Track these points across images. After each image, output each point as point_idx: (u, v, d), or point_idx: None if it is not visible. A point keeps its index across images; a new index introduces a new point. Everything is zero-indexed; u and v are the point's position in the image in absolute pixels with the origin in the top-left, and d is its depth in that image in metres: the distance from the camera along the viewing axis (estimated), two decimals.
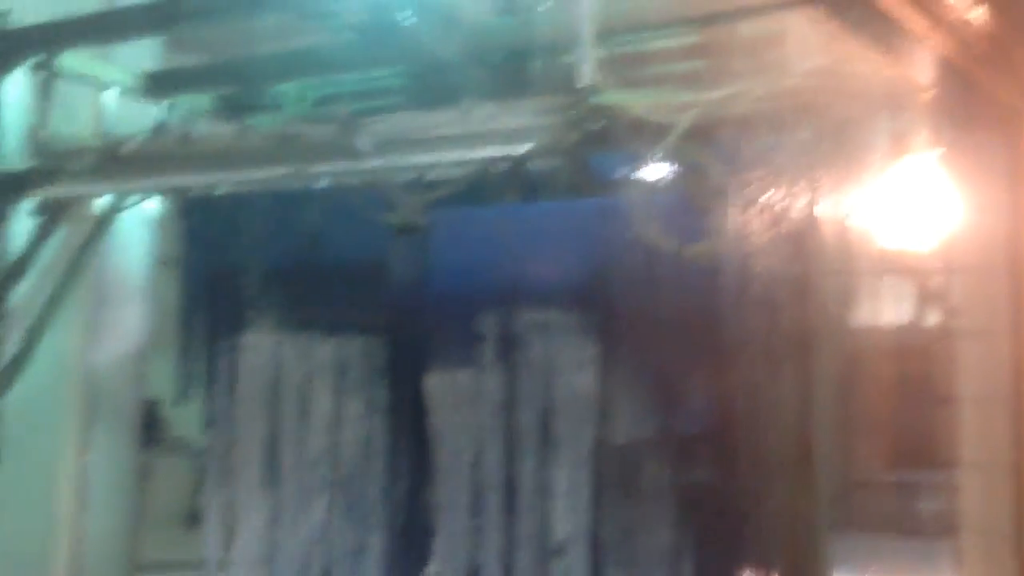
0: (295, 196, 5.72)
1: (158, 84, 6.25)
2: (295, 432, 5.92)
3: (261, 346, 5.99)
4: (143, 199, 5.79)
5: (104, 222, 6.41)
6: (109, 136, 6.33)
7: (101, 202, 6.38)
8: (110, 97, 6.57)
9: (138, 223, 6.88)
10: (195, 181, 5.03)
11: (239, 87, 6.36)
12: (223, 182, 4.93)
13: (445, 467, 5.62)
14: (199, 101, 6.61)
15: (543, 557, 5.44)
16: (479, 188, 5.31)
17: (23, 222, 6.02)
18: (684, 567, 5.23)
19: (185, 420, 8.12)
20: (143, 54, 6.66)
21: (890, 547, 5.00)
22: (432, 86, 5.56)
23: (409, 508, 5.89)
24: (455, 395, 5.59)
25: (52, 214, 5.74)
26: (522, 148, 4.26)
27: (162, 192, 5.60)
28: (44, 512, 6.66)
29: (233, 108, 6.62)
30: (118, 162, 5.17)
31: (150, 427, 7.65)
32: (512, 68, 5.23)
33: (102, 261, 6.69)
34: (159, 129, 6.20)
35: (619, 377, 5.31)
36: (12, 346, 6.10)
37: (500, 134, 4.37)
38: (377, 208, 5.57)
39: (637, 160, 4.42)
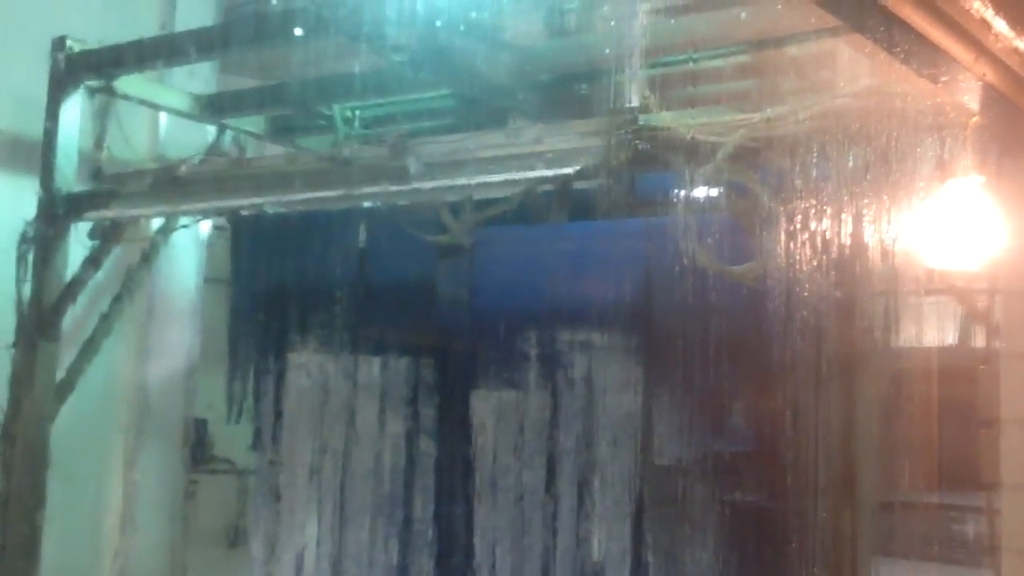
0: (343, 216, 5.80)
1: (211, 107, 6.37)
2: (341, 451, 5.97)
3: (308, 365, 6.05)
4: (197, 221, 5.89)
5: (156, 243, 6.53)
6: (164, 159, 6.47)
7: (153, 223, 6.51)
8: (164, 120, 6.72)
9: (188, 244, 7.01)
10: (248, 202, 5.11)
11: (290, 109, 6.47)
12: (276, 204, 5.00)
13: (489, 486, 5.64)
14: (251, 123, 6.74)
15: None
16: (525, 208, 5.39)
17: (78, 243, 6.13)
18: None
19: (230, 440, 8.24)
20: (198, 78, 6.81)
21: (932, 570, 4.97)
22: (481, 108, 5.64)
23: (454, 526, 5.92)
24: (500, 414, 5.62)
25: (107, 235, 5.85)
26: (570, 169, 4.31)
27: (216, 213, 5.69)
28: (92, 529, 6.76)
29: (284, 130, 6.75)
30: (174, 184, 5.26)
31: (196, 446, 7.75)
32: (560, 89, 5.30)
33: (153, 281, 6.81)
34: (212, 151, 6.32)
35: (663, 397, 5.32)
36: (65, 366, 6.20)
37: (548, 155, 4.42)
38: (424, 228, 5.66)
39: (684, 180, 4.46)
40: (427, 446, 5.90)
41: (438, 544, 5.96)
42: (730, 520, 5.19)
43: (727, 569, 5.20)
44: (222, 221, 6.77)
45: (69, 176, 5.92)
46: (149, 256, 6.49)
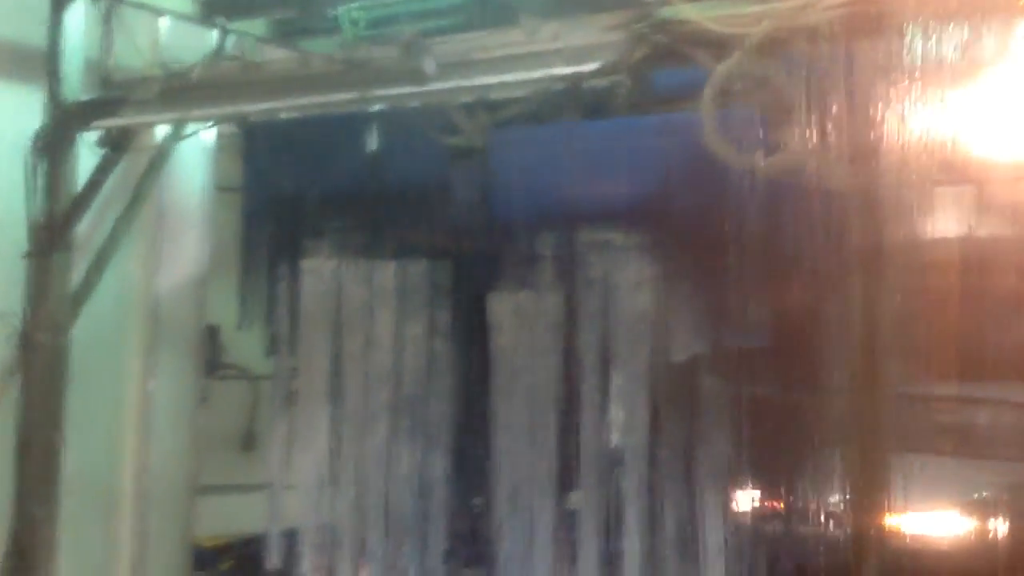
0: (354, 119, 5.74)
1: (213, 9, 6.24)
2: (357, 355, 5.99)
3: (323, 270, 6.04)
4: (207, 126, 5.83)
5: (165, 151, 6.46)
6: (168, 64, 6.36)
7: (161, 131, 6.43)
8: (166, 24, 6.59)
9: (197, 151, 6.94)
10: (260, 107, 5.05)
11: (293, 11, 6.35)
12: (288, 108, 4.95)
13: (506, 386, 5.68)
14: (254, 26, 6.61)
15: (602, 472, 5.51)
16: (540, 107, 5.34)
17: (87, 152, 6.07)
18: (742, 480, 5.30)
19: (240, 346, 8.27)
20: None
21: (952, 464, 5.02)
22: (490, 5, 5.54)
23: (471, 428, 5.97)
24: (516, 315, 5.64)
25: (117, 143, 5.79)
26: (590, 66, 4.26)
27: (228, 119, 5.63)
28: (110, 436, 6.81)
29: (288, 32, 6.62)
30: (183, 90, 5.20)
31: (209, 353, 7.78)
32: None
33: (162, 190, 6.76)
34: (218, 55, 6.21)
35: (679, 294, 5.33)
36: (78, 275, 6.18)
37: (567, 52, 4.36)
38: (437, 130, 5.61)
39: (705, 74, 4.41)
40: (443, 347, 5.94)
41: (457, 446, 6.03)
42: (746, 413, 5.24)
43: (742, 461, 5.27)
44: (230, 128, 6.71)
45: (76, 84, 5.85)
46: (157, 164, 6.42)
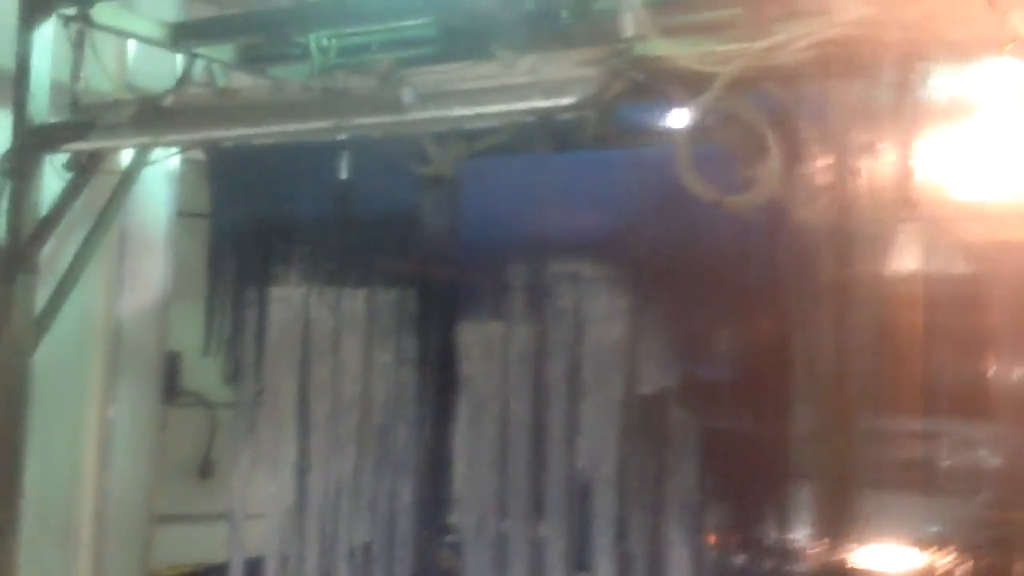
0: (323, 147, 5.76)
1: (182, 35, 6.25)
2: (324, 383, 5.98)
3: (290, 298, 6.03)
4: (177, 152, 5.82)
5: (130, 176, 6.44)
6: (135, 88, 6.36)
7: (127, 155, 6.41)
8: (133, 48, 6.60)
9: (159, 176, 6.93)
10: (234, 134, 5.06)
11: (263, 37, 6.37)
12: (262, 135, 4.95)
13: (473, 416, 5.69)
14: (222, 52, 6.62)
15: (569, 503, 5.54)
16: (511, 138, 5.39)
17: (52, 176, 6.04)
18: (710, 512, 5.34)
19: (197, 373, 8.22)
20: (166, 5, 6.68)
21: (920, 501, 5.08)
22: (461, 36, 5.59)
23: (437, 457, 5.98)
24: (484, 345, 5.66)
25: (84, 167, 5.76)
26: (567, 100, 4.31)
27: (200, 145, 5.63)
28: (69, 463, 6.75)
29: (256, 59, 6.64)
30: (155, 115, 5.19)
31: (169, 380, 7.73)
32: (544, 17, 5.26)
33: (125, 214, 6.74)
34: (185, 80, 6.22)
35: (649, 327, 5.38)
36: (42, 299, 6.13)
37: (544, 86, 4.41)
38: (407, 159, 5.64)
39: (676, 110, 4.48)
40: (411, 376, 5.94)
41: (421, 473, 6.02)
42: (714, 446, 5.29)
43: (710, 493, 5.32)
44: (195, 153, 6.71)
45: (43, 106, 5.82)
46: (123, 188, 6.39)
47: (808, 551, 5.20)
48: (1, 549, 5.79)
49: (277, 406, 6.07)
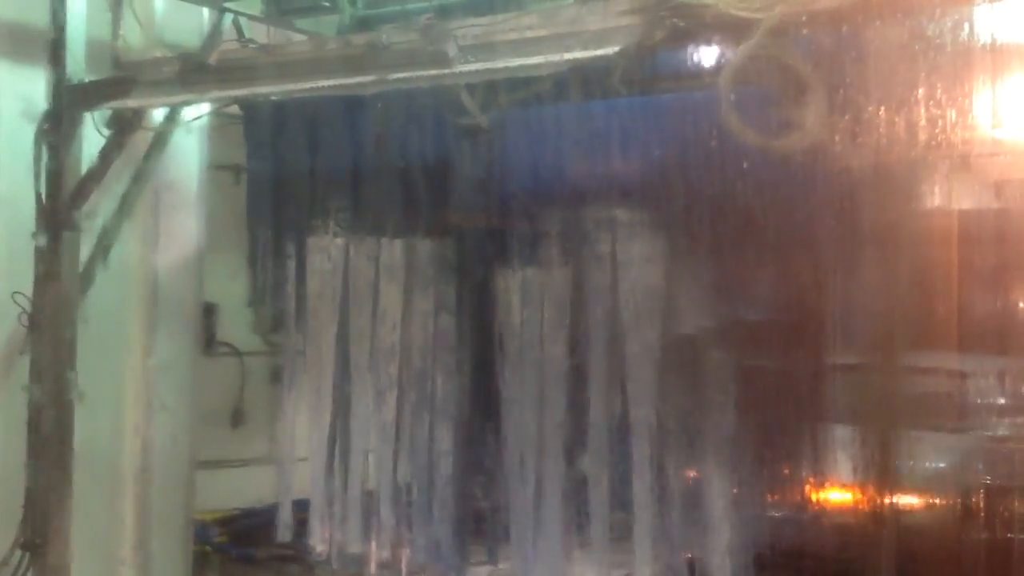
0: (359, 98, 5.80)
1: None
2: (365, 332, 6.08)
3: (329, 248, 6.12)
4: (213, 107, 5.88)
5: (165, 132, 6.51)
6: (166, 44, 6.40)
7: (160, 112, 6.47)
8: (162, 4, 6.63)
9: (192, 131, 6.98)
10: (278, 90, 5.12)
11: None
12: (308, 91, 5.01)
13: (513, 363, 5.80)
14: (250, 5, 6.64)
15: (609, 444, 5.65)
16: (547, 87, 5.44)
17: (91, 132, 6.11)
18: (747, 450, 5.45)
19: (230, 324, 8.35)
20: None
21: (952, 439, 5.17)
22: None
23: (479, 403, 6.10)
24: (523, 292, 5.76)
25: (124, 125, 5.82)
26: (610, 49, 4.36)
27: (243, 101, 5.68)
28: (114, 414, 6.87)
29: (285, 12, 6.65)
30: (198, 72, 5.25)
31: (206, 330, 7.85)
32: None
33: (161, 170, 6.81)
34: (214, 34, 6.24)
35: (686, 270, 5.47)
36: (84, 255, 6.23)
37: (586, 36, 4.45)
38: (443, 109, 5.70)
39: (718, 56, 4.54)
40: (450, 324, 6.04)
41: (463, 418, 6.15)
42: (752, 385, 5.40)
43: (747, 431, 5.43)
44: (228, 107, 6.75)
45: (81, 65, 5.87)
46: (160, 144, 6.46)
47: (842, 489, 5.35)
48: (56, 497, 5.92)
49: (319, 354, 6.18)
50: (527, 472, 5.75)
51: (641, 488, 5.49)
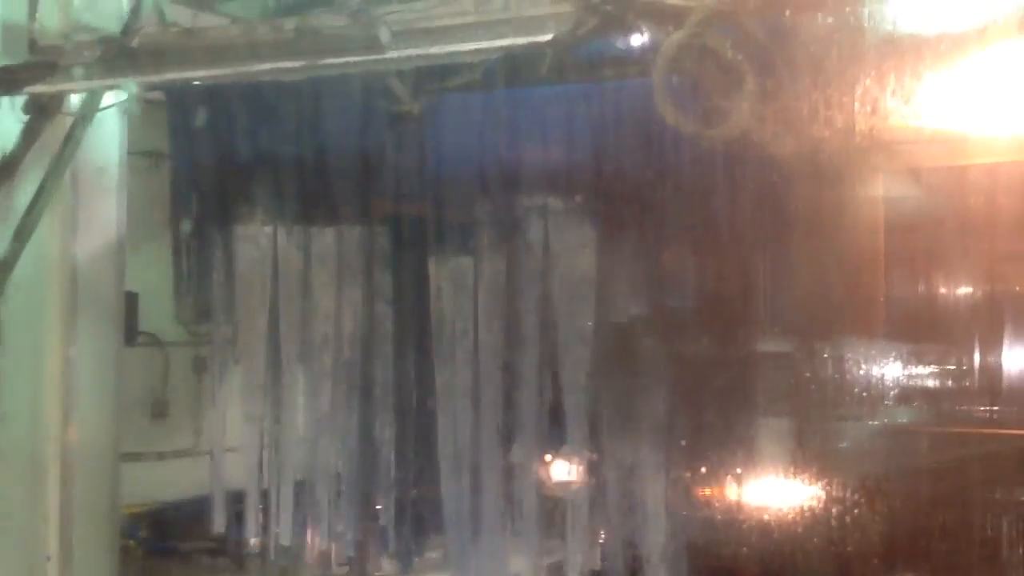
0: (287, 84, 5.71)
1: None
2: (296, 321, 6.01)
3: (256, 237, 6.03)
4: (139, 93, 5.74)
5: (84, 117, 6.34)
6: (84, 27, 6.23)
7: (80, 98, 6.31)
8: None
9: (111, 116, 6.82)
10: (204, 75, 5.02)
11: None
12: (234, 76, 4.92)
13: (447, 351, 5.78)
14: None
15: (544, 432, 5.67)
16: (477, 74, 5.41)
17: (8, 118, 5.94)
18: (677, 435, 5.51)
19: (152, 313, 8.21)
20: None
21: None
22: None
23: (412, 392, 6.07)
24: (456, 280, 5.73)
25: (43, 109, 5.67)
26: (543, 36, 4.34)
27: (167, 86, 5.55)
28: (33, 405, 6.71)
29: None
30: (123, 55, 5.13)
31: (126, 321, 7.69)
32: None
33: (81, 156, 6.65)
34: (134, 17, 6.09)
35: (617, 258, 5.50)
36: (3, 244, 6.07)
37: (519, 22, 4.44)
38: (373, 96, 5.65)
39: (650, 44, 4.55)
40: (383, 313, 6.00)
41: (397, 409, 6.11)
42: (682, 371, 5.45)
43: (678, 416, 5.49)
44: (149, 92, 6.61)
45: None
46: (79, 129, 6.30)
47: (769, 475, 5.43)
48: None
49: (249, 344, 6.09)
50: (460, 461, 5.74)
51: (571, 474, 5.51)
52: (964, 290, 4.98)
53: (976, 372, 4.98)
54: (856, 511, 5.19)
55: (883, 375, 5.15)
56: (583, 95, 5.47)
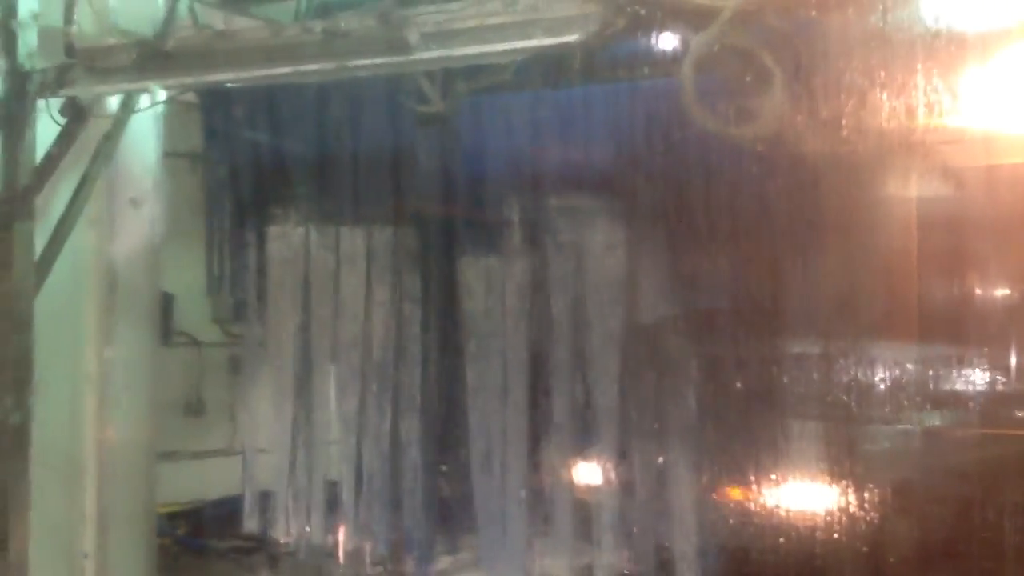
0: (318, 86, 5.76)
1: None
2: (327, 321, 6.05)
3: (289, 237, 6.08)
4: (169, 94, 5.80)
5: (120, 119, 6.41)
6: (119, 30, 6.29)
7: (116, 100, 6.37)
8: None
9: (147, 118, 6.88)
10: (237, 77, 5.06)
11: None
12: (266, 78, 4.96)
13: (477, 350, 5.80)
14: None
15: (574, 432, 5.67)
16: (507, 75, 5.42)
17: (46, 121, 6.01)
18: (707, 434, 5.49)
19: (188, 313, 8.26)
20: None
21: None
22: None
23: (443, 392, 6.09)
24: (486, 280, 5.75)
25: (80, 112, 5.73)
26: (572, 37, 4.34)
27: (202, 87, 5.60)
28: (71, 405, 6.78)
29: None
30: (155, 59, 5.18)
31: (162, 320, 7.76)
32: None
33: (118, 158, 6.71)
34: (169, 21, 6.14)
35: (647, 259, 5.49)
36: (39, 245, 6.13)
37: (547, 23, 4.43)
38: (403, 97, 5.67)
39: (681, 43, 4.54)
40: (413, 313, 6.02)
41: (426, 408, 6.13)
42: (711, 371, 5.44)
43: (707, 415, 5.47)
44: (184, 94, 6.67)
45: (34, 52, 5.77)
46: (115, 131, 6.36)
47: (799, 477, 5.39)
48: (15, 492, 5.84)
49: (281, 344, 6.13)
50: (491, 461, 5.75)
51: (601, 475, 5.51)
52: (1001, 291, 4.93)
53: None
54: (893, 515, 5.15)
55: (916, 377, 5.10)
56: (611, 95, 5.46)
